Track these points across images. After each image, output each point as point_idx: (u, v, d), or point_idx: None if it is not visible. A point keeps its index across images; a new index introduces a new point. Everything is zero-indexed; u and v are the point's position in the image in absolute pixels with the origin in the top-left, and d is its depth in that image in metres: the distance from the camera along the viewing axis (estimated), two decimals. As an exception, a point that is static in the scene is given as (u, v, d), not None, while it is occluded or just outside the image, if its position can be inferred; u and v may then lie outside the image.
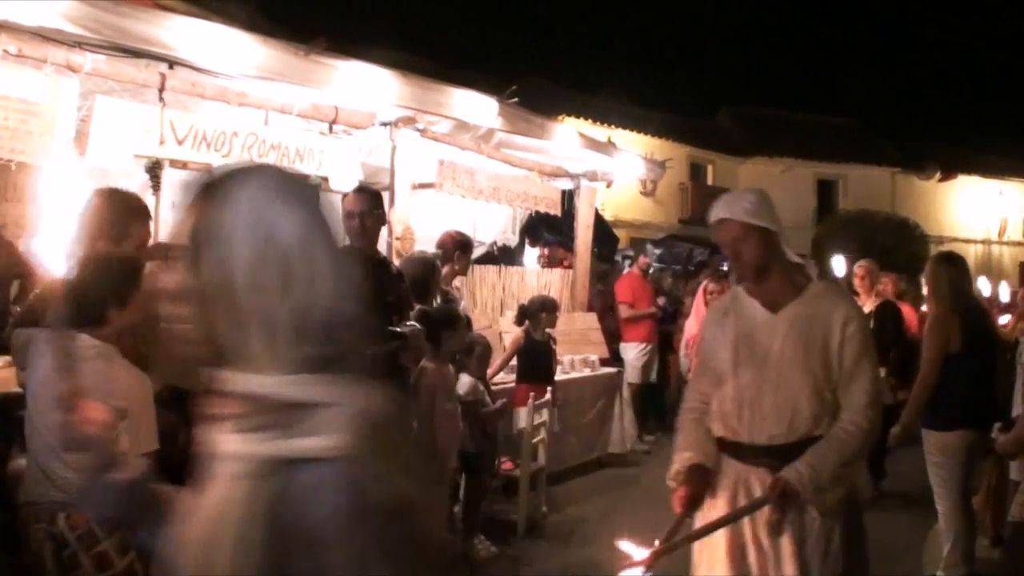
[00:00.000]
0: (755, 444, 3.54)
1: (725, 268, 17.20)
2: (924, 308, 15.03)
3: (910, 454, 6.56)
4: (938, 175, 38.15)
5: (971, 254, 32.02)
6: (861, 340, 3.52)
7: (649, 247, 18.29)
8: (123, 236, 4.01)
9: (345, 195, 5.58)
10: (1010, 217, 39.95)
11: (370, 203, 5.41)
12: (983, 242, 38.48)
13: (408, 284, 5.80)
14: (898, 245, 28.17)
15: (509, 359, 8.40)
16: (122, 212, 4.09)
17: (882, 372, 7.51)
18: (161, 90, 5.77)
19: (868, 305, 8.77)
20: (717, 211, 3.67)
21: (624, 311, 11.52)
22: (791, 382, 3.49)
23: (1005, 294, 8.68)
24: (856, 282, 9.40)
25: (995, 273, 33.59)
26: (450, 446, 6.20)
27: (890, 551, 7.19)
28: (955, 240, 34.87)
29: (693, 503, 3.56)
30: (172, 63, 5.68)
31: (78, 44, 5.16)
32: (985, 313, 6.42)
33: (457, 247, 7.39)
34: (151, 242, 4.31)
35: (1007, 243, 39.72)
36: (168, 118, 5.84)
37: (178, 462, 2.04)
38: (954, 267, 6.31)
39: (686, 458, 3.65)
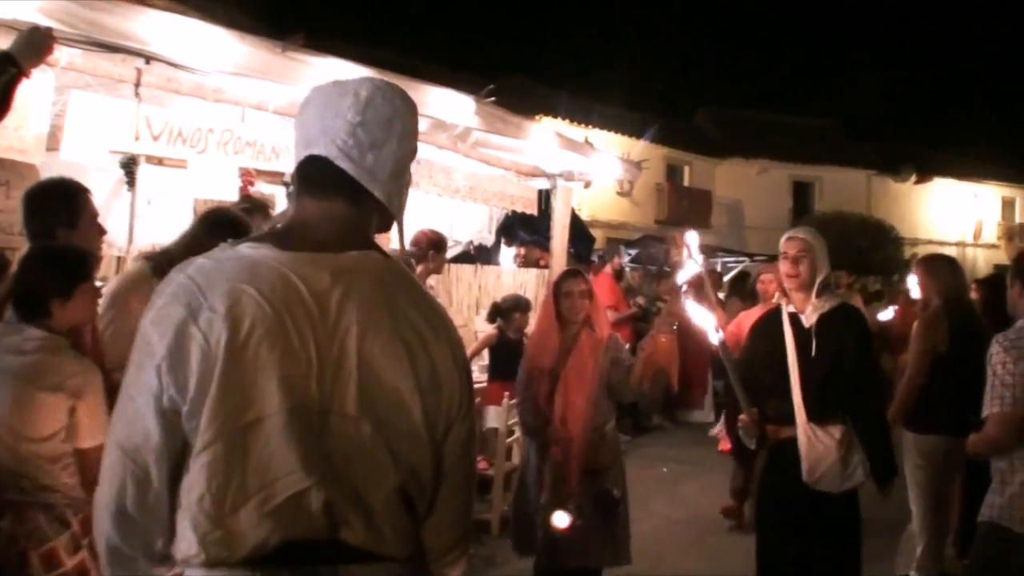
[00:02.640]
0: None
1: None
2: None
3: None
4: (914, 178, 38.45)
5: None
6: None
7: (622, 248, 18.34)
8: (76, 214, 4.01)
9: None
10: (985, 220, 40.29)
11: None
12: (958, 244, 38.79)
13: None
14: (874, 247, 28.42)
15: (476, 352, 8.41)
16: (66, 195, 4.09)
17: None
18: (137, 85, 5.74)
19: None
20: None
21: (611, 316, 11.57)
22: None
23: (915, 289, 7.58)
24: (771, 288, 7.31)
25: (970, 276, 33.92)
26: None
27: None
28: (930, 242, 35.17)
29: None
30: (148, 58, 5.65)
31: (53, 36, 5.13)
32: (976, 318, 6.43)
33: (431, 246, 7.39)
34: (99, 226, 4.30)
35: (982, 245, 40.03)
36: (144, 114, 5.81)
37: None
38: (949, 268, 6.35)
39: None
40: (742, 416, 4.86)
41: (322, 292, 1.93)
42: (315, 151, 2.05)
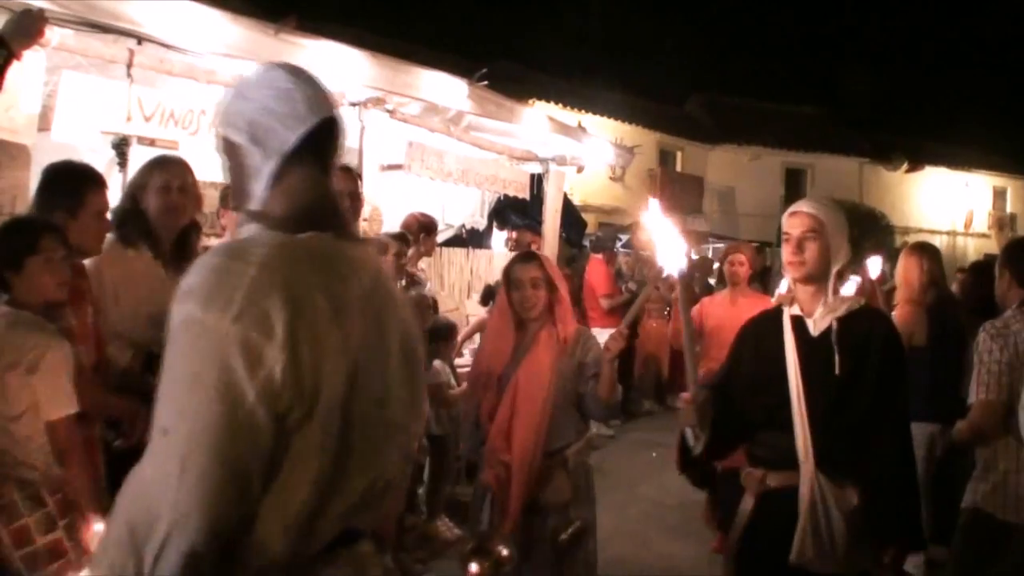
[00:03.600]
0: None
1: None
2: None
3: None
4: (905, 166, 38.41)
5: (937, 246, 32.15)
6: None
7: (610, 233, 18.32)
8: (78, 206, 4.00)
9: None
10: (976, 209, 40.32)
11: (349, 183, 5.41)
12: (948, 233, 38.80)
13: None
14: (865, 235, 28.38)
15: (468, 336, 8.42)
16: (74, 182, 4.08)
17: None
18: (129, 66, 5.73)
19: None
20: None
21: (607, 303, 11.58)
22: None
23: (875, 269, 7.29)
24: (741, 271, 7.25)
25: (960, 265, 34.03)
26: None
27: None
28: (921, 231, 35.17)
29: None
30: (140, 39, 5.64)
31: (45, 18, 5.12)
32: (955, 306, 6.45)
33: (422, 229, 7.41)
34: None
35: (972, 235, 40.07)
36: (136, 95, 5.80)
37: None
38: (930, 257, 6.38)
39: None
40: (684, 395, 3.56)
41: (368, 284, 1.94)
42: (327, 114, 2.00)
